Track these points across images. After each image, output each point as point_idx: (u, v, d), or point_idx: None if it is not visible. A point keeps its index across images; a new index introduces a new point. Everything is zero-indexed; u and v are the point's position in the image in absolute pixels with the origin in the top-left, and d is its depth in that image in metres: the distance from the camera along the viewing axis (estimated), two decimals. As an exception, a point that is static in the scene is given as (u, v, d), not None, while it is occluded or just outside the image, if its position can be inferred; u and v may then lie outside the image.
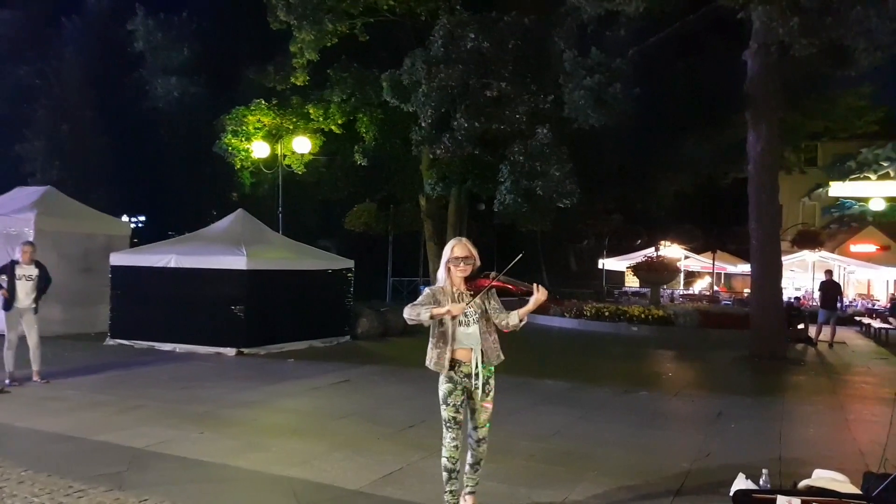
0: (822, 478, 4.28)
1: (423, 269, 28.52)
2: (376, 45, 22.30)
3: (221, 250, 12.56)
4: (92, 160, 28.55)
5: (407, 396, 8.80)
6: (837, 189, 30.57)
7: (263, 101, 22.47)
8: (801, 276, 28.81)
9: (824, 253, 27.08)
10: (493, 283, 4.26)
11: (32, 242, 9.41)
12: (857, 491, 4.18)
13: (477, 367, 4.31)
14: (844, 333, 18.36)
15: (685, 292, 31.46)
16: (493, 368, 4.43)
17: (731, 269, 32.10)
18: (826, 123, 24.44)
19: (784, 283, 16.43)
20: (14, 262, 8.91)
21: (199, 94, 27.00)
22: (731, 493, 4.22)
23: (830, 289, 16.93)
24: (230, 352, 11.96)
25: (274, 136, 22.22)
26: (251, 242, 12.98)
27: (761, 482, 4.41)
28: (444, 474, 4.37)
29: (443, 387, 4.33)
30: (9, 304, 8.78)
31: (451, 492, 4.40)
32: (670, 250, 27.83)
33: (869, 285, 31.91)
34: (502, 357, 4.43)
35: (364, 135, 22.84)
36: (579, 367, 12.16)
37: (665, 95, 17.62)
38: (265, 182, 24.78)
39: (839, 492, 4.06)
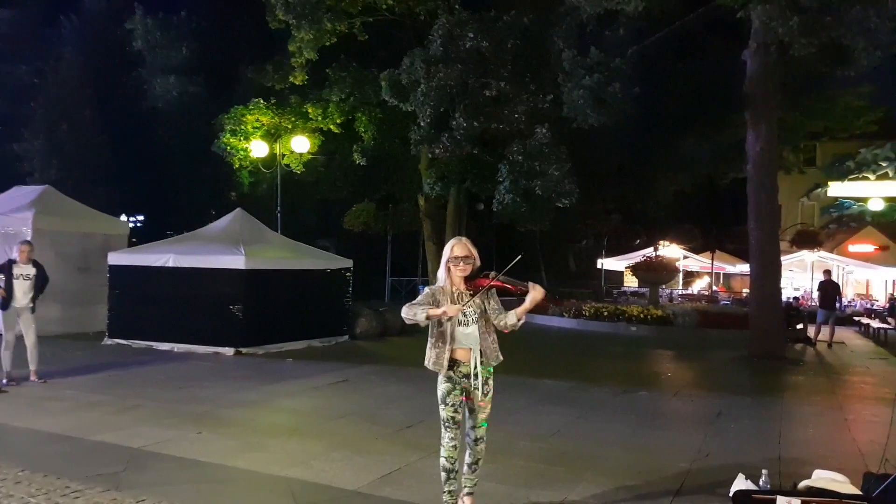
0: (822, 478, 4.27)
1: (422, 268, 28.52)
2: (375, 44, 22.27)
3: (220, 250, 12.54)
4: (90, 159, 28.49)
5: (405, 396, 8.78)
6: (836, 189, 30.56)
7: (262, 101, 22.44)
8: (799, 276, 28.82)
9: (823, 253, 27.09)
10: (493, 283, 4.25)
11: (30, 242, 9.39)
12: (857, 492, 4.17)
13: (476, 367, 4.30)
14: (843, 333, 18.36)
15: (684, 292, 31.46)
16: (491, 369, 4.42)
17: (729, 268, 32.12)
18: (825, 123, 24.39)
19: (783, 283, 16.42)
20: (11, 262, 8.89)
21: (197, 94, 26.97)
22: (731, 494, 4.20)
23: (829, 289, 16.93)
24: (228, 351, 11.94)
25: (272, 136, 22.18)
26: (250, 242, 12.96)
27: (761, 483, 4.40)
28: (443, 474, 4.36)
29: (441, 386, 4.31)
30: (6, 303, 8.76)
31: (449, 492, 4.38)
32: (669, 250, 27.84)
33: (867, 285, 31.93)
34: (501, 358, 4.41)
35: (363, 134, 22.82)
36: (578, 367, 12.15)
37: (664, 95, 17.59)
38: (264, 181, 24.75)
39: (839, 492, 4.04)
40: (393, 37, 22.79)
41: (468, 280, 4.32)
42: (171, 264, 12.53)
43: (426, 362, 4.34)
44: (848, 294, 28.66)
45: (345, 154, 23.26)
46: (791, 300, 22.00)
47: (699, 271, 34.21)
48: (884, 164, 29.04)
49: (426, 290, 4.43)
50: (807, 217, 33.32)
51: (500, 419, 6.47)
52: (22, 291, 8.84)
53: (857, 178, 29.87)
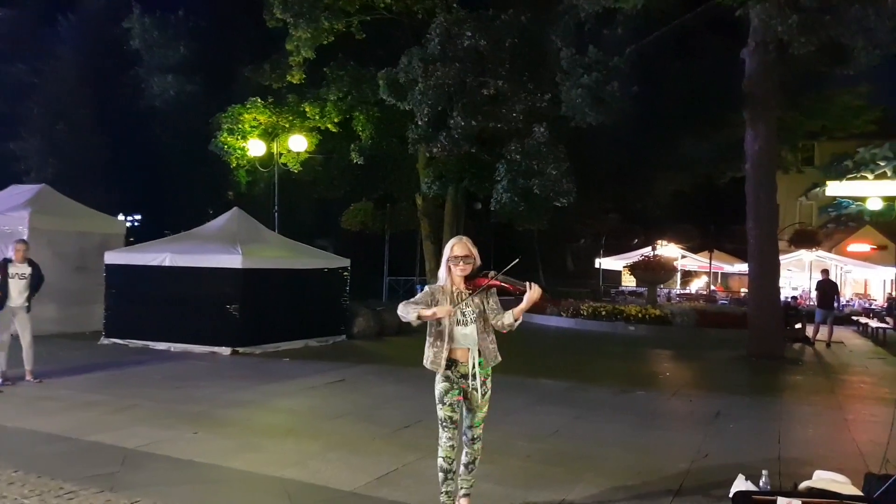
0: (823, 479, 4.24)
1: (420, 268, 28.49)
2: (373, 43, 22.24)
3: (217, 249, 12.49)
4: (87, 158, 28.38)
5: (403, 396, 8.75)
6: (834, 188, 30.53)
7: (259, 100, 22.37)
8: (797, 275, 28.82)
9: (821, 252, 27.10)
10: (491, 283, 4.23)
11: (25, 241, 9.36)
12: (858, 492, 4.14)
13: (474, 367, 4.26)
14: (841, 333, 18.35)
15: (682, 292, 31.47)
16: (490, 369, 4.38)
17: (727, 268, 32.14)
18: (823, 122, 24.39)
19: (781, 282, 16.41)
20: (7, 261, 8.85)
21: (195, 93, 26.86)
22: (731, 495, 4.17)
23: (827, 288, 16.92)
24: (225, 351, 11.90)
25: (270, 135, 22.12)
26: (247, 241, 12.92)
27: (761, 483, 4.36)
28: (441, 475, 4.32)
29: (439, 386, 4.28)
30: (1, 303, 8.70)
31: (447, 493, 4.35)
32: (667, 249, 27.83)
33: (866, 285, 31.95)
34: (500, 358, 4.38)
35: (360, 133, 22.77)
36: (576, 367, 12.12)
37: (663, 94, 17.58)
38: (261, 181, 24.65)
39: (840, 493, 4.01)
40: (391, 35, 22.75)
41: (468, 279, 4.30)
42: (167, 263, 12.48)
43: (424, 361, 4.31)
44: (846, 293, 28.67)
45: (342, 153, 23.20)
46: (789, 300, 22.00)
47: (697, 271, 34.21)
48: (882, 164, 29.02)
49: (426, 288, 4.41)
50: (805, 216, 33.33)
51: (498, 419, 6.43)
52: (17, 291, 8.79)
53: (855, 178, 29.84)
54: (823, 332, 16.50)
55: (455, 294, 4.29)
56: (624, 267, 26.88)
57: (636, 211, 33.84)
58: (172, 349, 12.11)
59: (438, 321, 4.20)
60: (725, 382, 10.96)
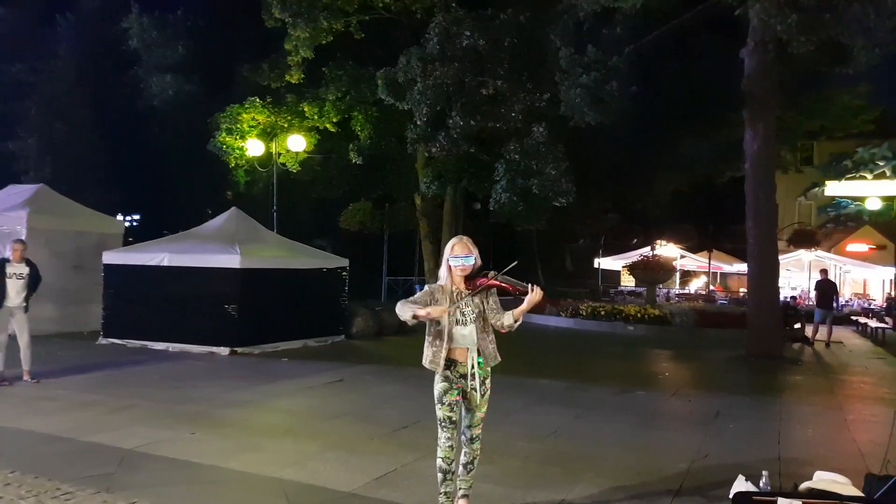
0: (824, 480, 4.21)
1: (419, 268, 28.45)
2: (372, 42, 22.21)
3: (215, 249, 12.47)
4: (85, 158, 28.34)
5: (401, 396, 8.73)
6: (833, 188, 30.53)
7: (258, 99, 22.33)
8: (797, 275, 28.83)
9: (820, 252, 27.11)
10: (491, 283, 4.21)
11: (23, 240, 9.34)
12: (858, 493, 4.11)
13: (473, 367, 4.25)
14: (841, 333, 18.35)
15: (681, 291, 31.47)
16: (489, 369, 4.36)
17: (727, 268, 32.14)
18: (822, 122, 24.38)
19: (780, 282, 16.40)
20: (4, 261, 8.83)
21: (193, 92, 26.81)
22: (731, 496, 4.14)
23: (826, 288, 16.92)
24: (223, 351, 11.87)
25: (268, 135, 22.09)
26: (245, 241, 12.90)
27: (761, 484, 4.33)
28: (439, 475, 4.30)
29: (438, 386, 4.26)
30: (-1, 302, 8.69)
31: (445, 493, 4.33)
32: (666, 249, 27.82)
33: (865, 285, 31.96)
34: (499, 358, 4.36)
35: (359, 133, 22.74)
36: (576, 367, 12.11)
37: (662, 93, 17.54)
38: (260, 180, 24.61)
39: (841, 494, 3.98)
40: (389, 35, 22.72)
41: (469, 279, 4.29)
42: (166, 263, 12.46)
43: (423, 361, 4.29)
44: (845, 293, 28.66)
45: (341, 153, 23.16)
46: (788, 299, 21.99)
47: (696, 270, 34.21)
48: (881, 164, 29.03)
49: (426, 287, 4.40)
50: (804, 216, 33.34)
51: (497, 419, 6.41)
52: (15, 291, 8.76)
53: (854, 178, 29.85)
54: (823, 332, 16.50)
55: (455, 294, 4.27)
56: (623, 267, 26.87)
57: (635, 211, 33.81)
58: (171, 349, 12.08)
59: (437, 321, 4.18)
60: (725, 382, 10.95)
